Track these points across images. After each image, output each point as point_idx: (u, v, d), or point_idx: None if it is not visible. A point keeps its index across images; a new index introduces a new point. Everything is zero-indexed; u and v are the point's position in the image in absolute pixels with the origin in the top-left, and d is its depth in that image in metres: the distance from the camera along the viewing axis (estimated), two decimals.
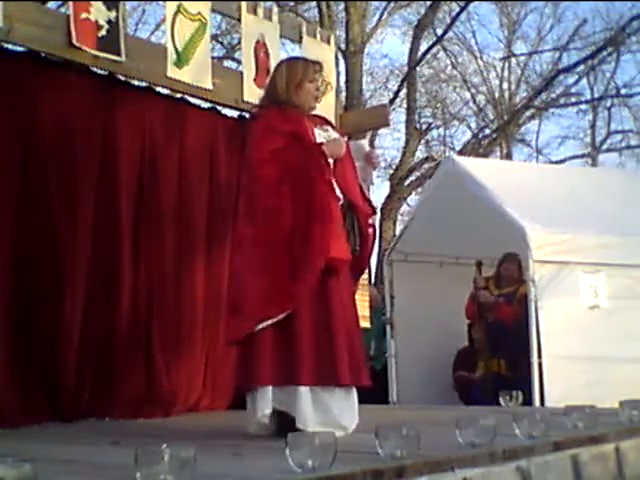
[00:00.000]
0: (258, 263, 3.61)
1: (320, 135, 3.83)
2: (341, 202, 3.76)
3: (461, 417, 3.05)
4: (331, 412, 3.64)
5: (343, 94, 12.04)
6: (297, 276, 3.55)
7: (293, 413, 3.57)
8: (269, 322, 3.54)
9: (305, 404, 3.57)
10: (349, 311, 3.79)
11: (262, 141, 3.73)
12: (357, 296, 6.47)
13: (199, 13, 5.43)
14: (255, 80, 5.78)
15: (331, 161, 3.76)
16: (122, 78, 5.17)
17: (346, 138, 3.96)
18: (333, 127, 4.07)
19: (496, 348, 6.68)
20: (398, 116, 15.48)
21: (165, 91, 5.51)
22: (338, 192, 3.75)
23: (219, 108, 5.77)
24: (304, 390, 3.57)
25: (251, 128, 3.87)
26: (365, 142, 4.15)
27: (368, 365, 8.33)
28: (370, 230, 3.93)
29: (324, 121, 4.01)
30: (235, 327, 3.71)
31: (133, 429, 4.38)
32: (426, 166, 14.94)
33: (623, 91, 17.21)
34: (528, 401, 5.58)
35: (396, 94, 14.43)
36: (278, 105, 3.80)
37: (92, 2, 4.80)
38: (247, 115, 5.82)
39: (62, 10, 7.23)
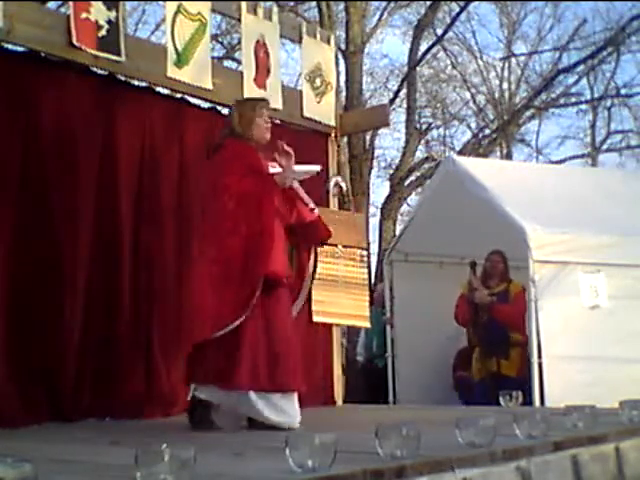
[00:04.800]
0: (214, 278, 4.12)
1: (271, 166, 4.30)
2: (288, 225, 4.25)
3: (461, 417, 3.05)
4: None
5: (343, 94, 12.02)
6: (245, 289, 4.02)
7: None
8: (223, 331, 3.99)
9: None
10: (285, 321, 4.21)
11: (225, 170, 4.21)
12: (357, 296, 6.50)
13: (199, 13, 5.43)
14: (255, 80, 5.79)
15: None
16: (122, 78, 5.17)
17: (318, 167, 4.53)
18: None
19: (491, 348, 6.67)
20: (398, 116, 15.46)
21: (165, 91, 5.52)
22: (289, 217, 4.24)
23: (219, 108, 5.76)
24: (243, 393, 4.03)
25: (215, 158, 4.31)
26: (316, 168, 4.52)
27: (370, 363, 8.34)
28: (307, 254, 4.55)
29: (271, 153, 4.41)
30: (196, 334, 4.21)
31: (133, 429, 4.38)
32: (426, 166, 14.90)
33: (623, 91, 17.19)
34: (528, 401, 5.58)
35: (396, 94, 14.39)
36: (237, 139, 4.30)
37: (92, 2, 4.81)
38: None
39: (62, 10, 7.23)
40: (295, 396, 4.17)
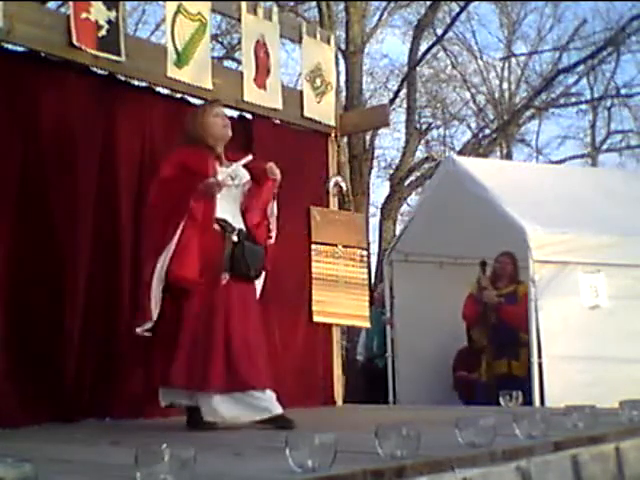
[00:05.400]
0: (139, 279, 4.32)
1: (222, 172, 4.26)
2: (235, 231, 4.23)
3: (461, 417, 3.05)
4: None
5: (343, 94, 12.02)
6: (148, 291, 4.09)
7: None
8: (139, 330, 4.16)
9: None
10: (215, 326, 4.14)
11: (160, 170, 4.30)
12: (357, 296, 6.50)
13: (199, 13, 5.43)
14: (255, 80, 5.79)
15: (228, 195, 4.24)
16: (122, 78, 5.17)
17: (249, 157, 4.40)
18: (251, 162, 4.40)
19: (501, 349, 6.67)
20: (398, 116, 15.46)
21: (165, 91, 5.51)
22: (240, 224, 4.27)
23: None
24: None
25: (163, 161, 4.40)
26: (247, 159, 4.42)
27: (370, 363, 8.33)
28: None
29: (242, 157, 4.38)
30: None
31: (133, 429, 4.38)
32: (426, 166, 14.89)
33: (623, 91, 17.19)
34: (528, 401, 5.58)
35: (396, 94, 14.38)
36: (190, 143, 4.33)
37: (92, 2, 4.81)
38: (248, 115, 5.84)
39: (62, 10, 7.23)
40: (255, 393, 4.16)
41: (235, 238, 4.24)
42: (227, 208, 4.27)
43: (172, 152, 4.38)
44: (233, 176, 4.30)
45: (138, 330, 4.17)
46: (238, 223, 4.30)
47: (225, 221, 4.23)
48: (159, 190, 4.24)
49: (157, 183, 4.28)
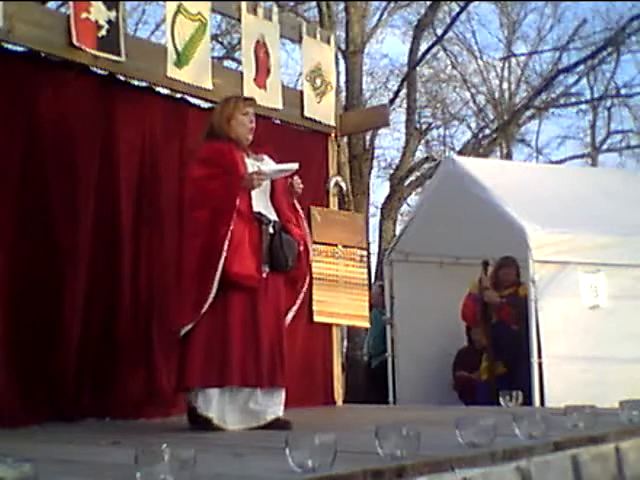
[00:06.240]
0: (181, 278, 4.26)
1: (253, 165, 4.21)
2: (271, 223, 4.18)
3: (461, 417, 3.05)
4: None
5: (343, 94, 12.00)
6: (200, 291, 4.02)
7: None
8: (185, 329, 4.05)
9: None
10: (259, 321, 4.10)
11: (193, 169, 4.22)
12: (357, 296, 6.51)
13: (199, 13, 5.43)
14: (255, 80, 5.79)
15: (260, 189, 4.17)
16: (122, 78, 5.17)
17: (295, 165, 4.33)
18: (272, 158, 4.42)
19: (500, 350, 6.66)
20: (398, 116, 15.45)
21: (165, 91, 5.51)
22: (271, 215, 4.21)
23: None
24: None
25: (189, 163, 4.37)
26: (293, 166, 4.35)
27: (364, 362, 8.33)
28: (302, 248, 4.34)
29: (264, 153, 4.38)
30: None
31: (133, 429, 4.38)
32: (426, 166, 14.89)
33: (623, 91, 17.20)
34: (528, 401, 5.58)
35: (396, 94, 14.37)
36: (215, 138, 4.25)
37: (92, 2, 4.81)
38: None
39: (62, 10, 7.24)
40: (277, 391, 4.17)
41: (271, 230, 4.19)
42: (259, 200, 4.22)
43: (198, 150, 4.31)
44: (263, 168, 4.24)
45: (182, 330, 4.06)
46: (271, 215, 4.24)
47: (260, 213, 4.19)
48: (195, 189, 4.18)
49: (191, 183, 4.23)
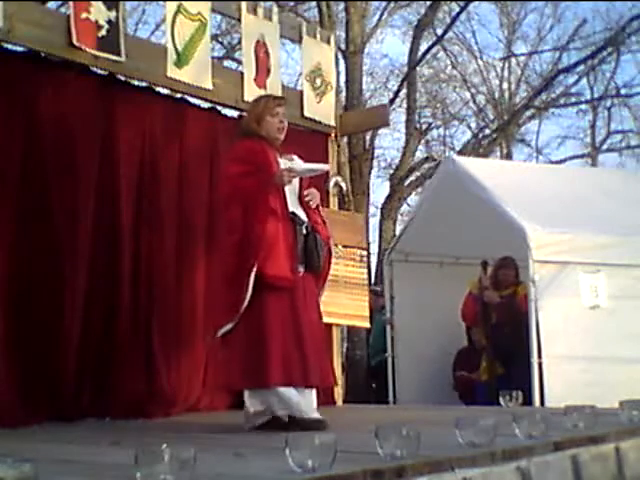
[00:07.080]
0: (217, 279, 4.23)
1: (285, 164, 4.22)
2: (304, 224, 4.18)
3: (461, 417, 3.05)
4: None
5: (343, 94, 12.00)
6: (236, 291, 4.00)
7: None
8: (222, 330, 4.04)
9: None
10: (299, 320, 4.07)
11: (228, 167, 4.27)
12: (357, 296, 6.49)
13: (199, 13, 5.43)
14: (255, 80, 5.79)
15: (291, 188, 4.16)
16: (122, 78, 5.17)
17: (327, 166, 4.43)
18: (301, 157, 4.44)
19: (499, 350, 6.66)
20: (398, 116, 15.44)
21: (165, 91, 5.51)
22: (303, 215, 4.19)
23: (219, 108, 5.77)
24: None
25: (223, 163, 4.41)
26: (324, 167, 4.42)
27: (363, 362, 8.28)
28: (326, 249, 4.32)
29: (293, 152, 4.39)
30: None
31: (133, 429, 4.38)
32: (426, 166, 14.88)
33: (623, 91, 17.18)
34: (528, 401, 5.58)
35: (396, 94, 14.36)
36: (248, 136, 4.26)
37: (92, 2, 4.81)
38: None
39: (62, 10, 7.23)
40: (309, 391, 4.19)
41: (304, 231, 4.19)
42: (291, 201, 4.20)
43: (233, 145, 4.33)
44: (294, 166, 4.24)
45: (220, 332, 4.05)
46: (303, 215, 4.23)
47: (294, 214, 4.18)
48: (229, 187, 4.20)
49: (227, 181, 4.25)
